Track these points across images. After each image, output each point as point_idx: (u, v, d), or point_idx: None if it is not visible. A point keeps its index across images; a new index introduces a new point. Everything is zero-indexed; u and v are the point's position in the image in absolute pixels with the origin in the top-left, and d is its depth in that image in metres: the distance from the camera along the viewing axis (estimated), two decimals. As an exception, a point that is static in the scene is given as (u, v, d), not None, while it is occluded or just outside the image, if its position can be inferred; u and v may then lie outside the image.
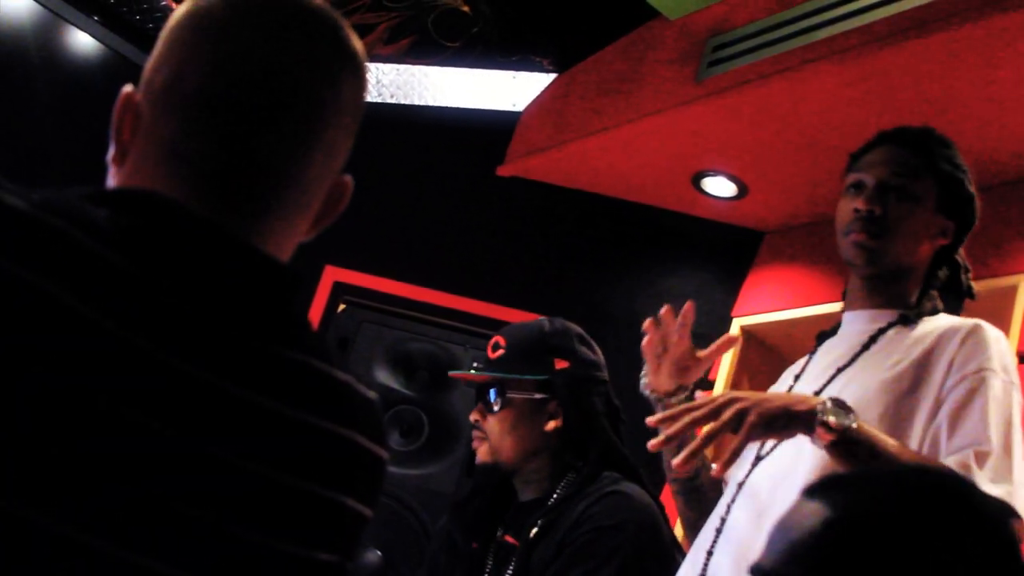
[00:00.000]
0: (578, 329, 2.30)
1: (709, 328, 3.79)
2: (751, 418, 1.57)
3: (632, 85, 3.36)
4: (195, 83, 0.92)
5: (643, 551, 1.99)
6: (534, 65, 3.81)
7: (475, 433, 2.26)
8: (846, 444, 1.57)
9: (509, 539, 2.17)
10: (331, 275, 3.88)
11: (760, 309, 3.63)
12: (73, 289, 0.78)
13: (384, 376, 3.62)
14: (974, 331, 1.72)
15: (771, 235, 3.78)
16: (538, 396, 2.20)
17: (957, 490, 0.85)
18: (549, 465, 2.17)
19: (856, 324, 1.86)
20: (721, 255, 3.87)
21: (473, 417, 2.26)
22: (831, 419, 1.57)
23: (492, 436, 2.21)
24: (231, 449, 0.84)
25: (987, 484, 1.56)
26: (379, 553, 3.37)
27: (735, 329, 3.66)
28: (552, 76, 3.77)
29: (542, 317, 2.33)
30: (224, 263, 0.90)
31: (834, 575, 0.79)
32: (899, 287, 1.84)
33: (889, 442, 1.59)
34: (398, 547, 3.38)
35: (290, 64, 0.94)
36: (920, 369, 1.71)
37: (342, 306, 3.81)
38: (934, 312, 1.83)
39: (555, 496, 2.14)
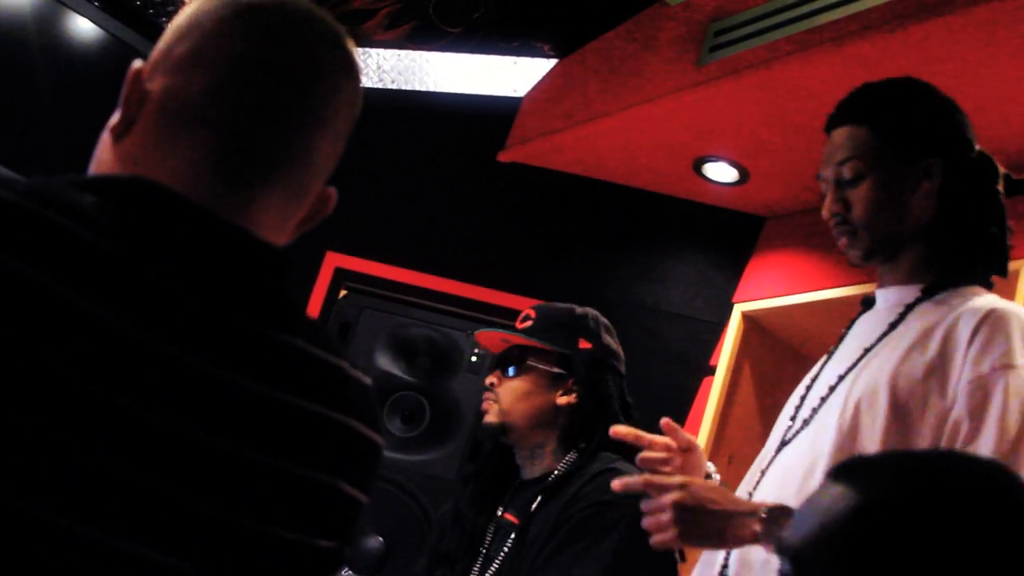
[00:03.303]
0: (606, 320, 2.35)
1: (710, 314, 3.79)
2: (677, 531, 1.57)
3: (633, 71, 3.35)
4: (225, 50, 0.94)
5: (640, 527, 2.02)
6: (535, 51, 3.79)
7: (487, 395, 2.30)
8: None
9: (509, 517, 2.20)
10: (332, 261, 3.88)
11: (761, 295, 3.63)
12: (58, 275, 0.78)
13: (385, 362, 3.62)
14: (987, 319, 1.58)
15: (772, 220, 3.78)
16: (556, 370, 2.26)
17: (987, 472, 0.84)
18: (555, 441, 2.22)
19: (886, 300, 1.76)
20: (722, 241, 3.87)
21: (488, 380, 2.31)
22: (774, 540, 1.47)
23: (504, 400, 2.25)
24: (224, 434, 0.84)
25: None
26: (380, 539, 3.37)
27: (736, 314, 3.66)
28: (553, 62, 3.76)
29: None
30: (214, 246, 0.90)
31: (862, 560, 0.78)
32: (914, 253, 1.72)
33: None
34: (399, 532, 3.39)
35: (316, 48, 0.98)
36: (931, 364, 1.59)
37: (343, 292, 3.80)
38: (957, 283, 1.70)
39: (555, 473, 2.17)
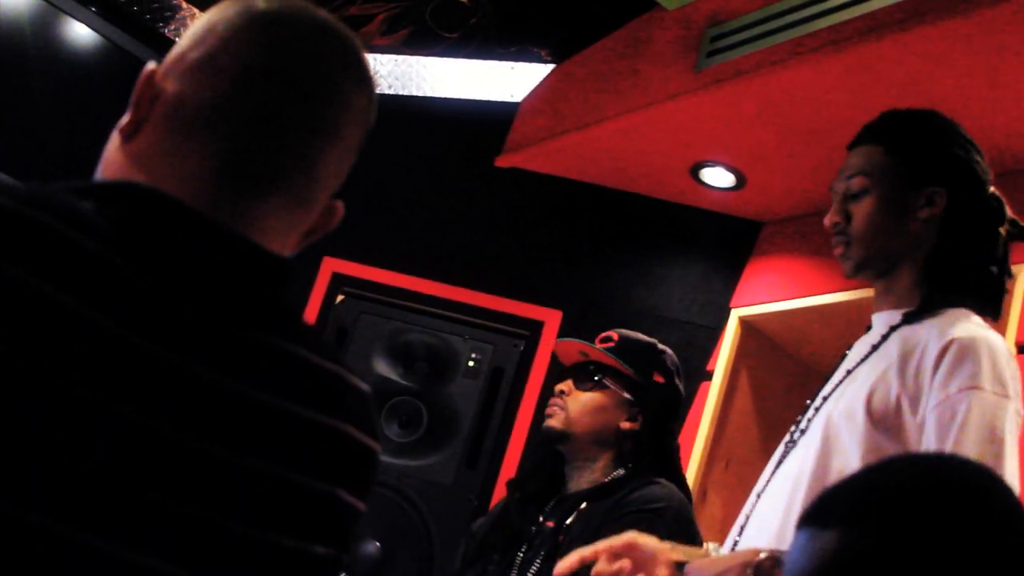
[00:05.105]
0: (680, 365, 2.42)
1: (708, 319, 3.79)
2: None
3: (630, 76, 3.36)
4: (237, 58, 0.94)
5: (679, 537, 2.05)
6: (532, 56, 3.80)
7: (555, 400, 2.36)
8: None
9: (551, 524, 2.26)
10: (329, 266, 3.88)
11: (758, 300, 3.63)
12: (55, 281, 0.78)
13: (383, 367, 3.62)
14: (953, 344, 1.63)
15: (770, 225, 3.78)
16: (628, 396, 2.32)
17: (971, 482, 0.84)
18: (608, 460, 2.29)
19: (878, 323, 1.81)
20: (720, 246, 3.87)
21: (560, 387, 2.38)
22: None
23: (573, 409, 2.32)
24: (221, 440, 0.84)
25: None
26: (378, 544, 3.37)
27: (734, 319, 3.66)
28: (550, 67, 3.76)
29: None
30: (212, 253, 0.90)
31: None
32: (908, 279, 1.77)
33: None
34: (397, 538, 3.39)
35: (328, 61, 0.98)
36: (905, 387, 1.65)
37: (340, 297, 3.80)
38: (937, 308, 1.73)
39: (601, 484, 2.25)
